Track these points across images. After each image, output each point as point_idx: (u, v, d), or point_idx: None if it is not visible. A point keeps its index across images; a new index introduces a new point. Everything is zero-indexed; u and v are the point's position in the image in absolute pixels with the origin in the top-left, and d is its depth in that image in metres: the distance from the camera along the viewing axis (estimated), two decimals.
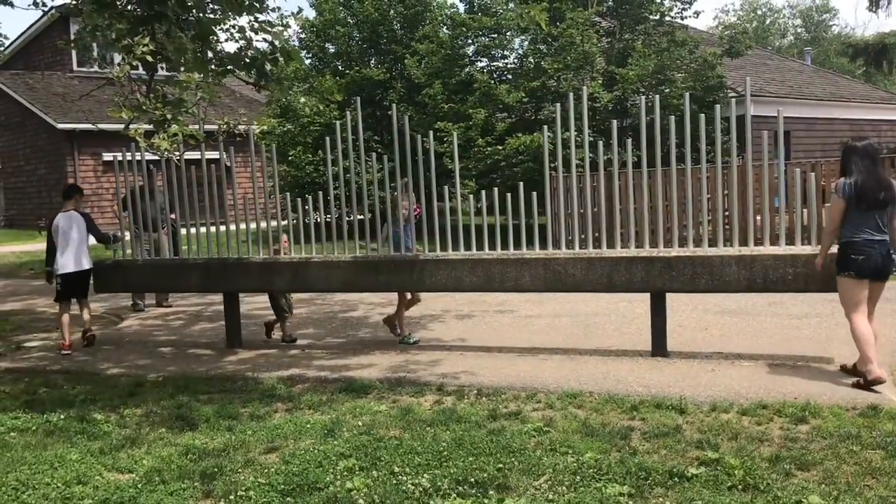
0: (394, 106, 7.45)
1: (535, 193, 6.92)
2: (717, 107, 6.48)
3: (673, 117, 6.39)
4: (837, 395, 5.22)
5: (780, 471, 4.06)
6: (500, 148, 16.13)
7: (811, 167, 13.37)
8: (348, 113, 7.27)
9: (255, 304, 10.17)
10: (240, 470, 4.40)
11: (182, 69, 5.93)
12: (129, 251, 8.47)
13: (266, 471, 4.35)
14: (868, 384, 5.29)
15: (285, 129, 18.89)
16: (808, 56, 35.03)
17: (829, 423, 4.73)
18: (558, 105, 6.95)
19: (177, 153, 7.44)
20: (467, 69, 18.64)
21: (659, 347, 6.49)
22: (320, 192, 7.62)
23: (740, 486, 3.90)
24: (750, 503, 3.73)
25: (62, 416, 5.50)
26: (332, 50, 21.18)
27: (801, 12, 58.17)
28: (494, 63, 19.68)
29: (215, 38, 6.58)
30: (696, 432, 4.68)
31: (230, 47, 6.59)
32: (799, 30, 58.27)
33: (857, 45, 21.56)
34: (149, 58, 5.10)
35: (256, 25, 6.14)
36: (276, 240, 7.70)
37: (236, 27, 6.36)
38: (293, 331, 8.04)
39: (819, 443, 4.43)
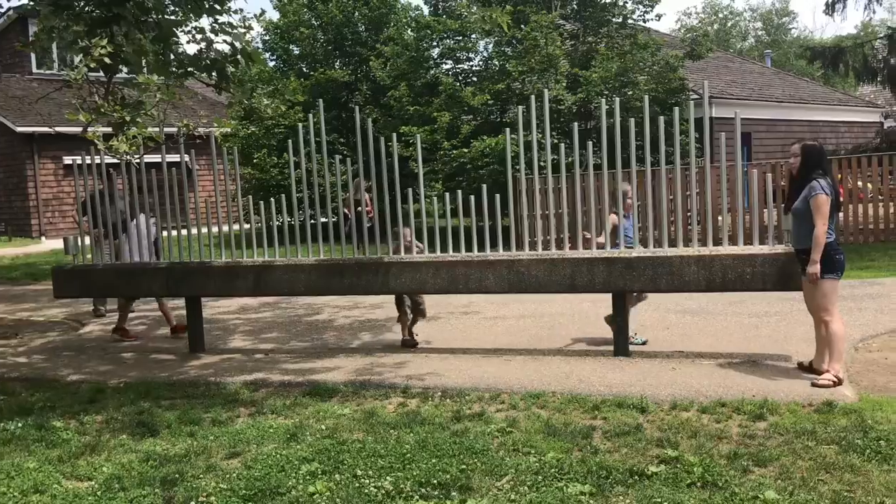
0: (356, 108, 7.43)
1: (498, 196, 6.95)
2: (676, 109, 6.58)
3: (633, 120, 6.46)
4: (794, 393, 5.32)
5: (738, 467, 4.13)
6: (466, 151, 16.18)
7: (771, 168, 13.61)
8: (311, 115, 7.25)
9: (219, 309, 10.10)
10: (201, 476, 4.37)
11: (140, 72, 5.86)
12: (89, 255, 8.35)
13: (228, 476, 4.33)
14: (840, 382, 5.41)
15: (249, 131, 18.76)
16: (768, 58, 35.66)
17: (785, 419, 4.83)
18: (520, 108, 6.99)
19: (136, 156, 7.35)
20: (432, 71, 18.67)
21: (621, 347, 6.56)
22: (283, 195, 7.57)
23: (699, 484, 3.96)
24: (708, 500, 3.78)
25: (20, 424, 5.40)
26: (296, 52, 21.10)
27: (762, 15, 59.11)
28: (459, 65, 19.76)
29: (175, 40, 6.53)
30: (657, 431, 4.75)
31: (192, 49, 6.51)
32: (759, 32, 59.17)
33: (815, 47, 21.95)
34: (107, 60, 5.04)
35: (217, 27, 6.10)
36: (396, 235, 7.22)
37: (197, 29, 6.30)
38: (411, 334, 7.46)
39: (776, 439, 4.52)
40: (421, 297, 7.40)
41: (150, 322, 9.58)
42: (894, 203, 13.82)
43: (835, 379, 5.41)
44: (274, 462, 4.48)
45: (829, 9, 19.67)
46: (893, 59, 19.49)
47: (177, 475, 4.36)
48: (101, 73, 6.17)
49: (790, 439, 4.48)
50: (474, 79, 19.18)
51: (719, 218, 8.75)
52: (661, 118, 6.36)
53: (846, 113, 26.32)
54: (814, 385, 5.41)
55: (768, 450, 4.34)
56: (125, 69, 6.21)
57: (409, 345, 7.32)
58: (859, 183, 13.99)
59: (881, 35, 21.71)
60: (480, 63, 19.73)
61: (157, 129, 7.16)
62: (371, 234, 7.51)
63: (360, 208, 7.43)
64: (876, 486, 3.83)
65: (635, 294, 6.85)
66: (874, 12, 48.51)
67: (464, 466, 4.28)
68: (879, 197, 13.94)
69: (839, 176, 14.17)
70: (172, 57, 6.07)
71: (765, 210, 6.41)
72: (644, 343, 6.92)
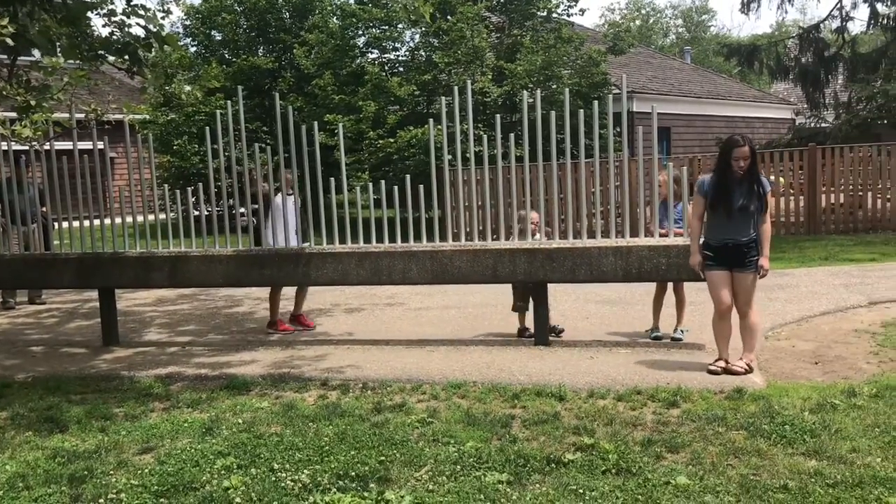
0: (276, 95, 7.30)
1: (421, 186, 6.94)
2: (596, 103, 6.67)
3: (554, 112, 6.53)
4: (707, 380, 5.47)
5: (652, 454, 4.23)
6: (392, 141, 16.11)
7: (689, 162, 13.98)
8: (229, 103, 7.09)
9: (134, 301, 9.82)
10: (112, 472, 4.24)
11: (48, 53, 5.61)
12: None
13: (140, 472, 4.21)
14: (751, 370, 5.61)
15: (169, 118, 18.27)
16: (687, 55, 36.60)
17: (698, 406, 4.96)
18: (443, 98, 6.99)
19: (43, 142, 7.05)
20: (358, 61, 18.52)
21: (541, 336, 6.64)
22: (201, 184, 7.39)
23: (614, 470, 4.03)
24: (622, 486, 3.86)
25: None
26: (218, 38, 20.63)
27: (683, 13, 60.62)
28: (386, 55, 19.63)
29: (88, 22, 6.27)
30: (574, 419, 4.82)
31: (107, 32, 6.26)
32: (680, 29, 60.69)
33: (731, 45, 22.60)
34: (9, 41, 4.80)
35: (129, 10, 5.89)
36: (522, 219, 6.87)
37: (107, 10, 6.07)
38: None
39: (688, 426, 4.64)
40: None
41: (61, 314, 9.25)
42: (804, 197, 14.37)
43: (746, 367, 5.60)
44: (188, 457, 4.37)
45: (745, 7, 20.28)
46: (804, 58, 20.24)
47: (86, 472, 4.22)
48: (4, 56, 5.89)
49: (702, 426, 4.61)
50: (401, 69, 19.11)
51: (637, 210, 8.94)
52: (582, 112, 6.45)
53: (761, 109, 27.20)
54: (728, 371, 5.58)
55: (681, 436, 4.45)
56: (30, 51, 5.95)
57: (524, 335, 6.96)
58: (772, 177, 14.49)
59: (793, 35, 22.51)
60: (407, 53, 19.67)
61: (66, 115, 6.87)
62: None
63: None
64: (780, 469, 3.97)
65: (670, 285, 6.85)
66: (786, 12, 50.37)
67: (383, 458, 4.26)
68: (790, 191, 14.48)
69: None
70: (80, 40, 5.83)
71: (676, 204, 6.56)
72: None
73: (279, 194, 7.20)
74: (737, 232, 5.58)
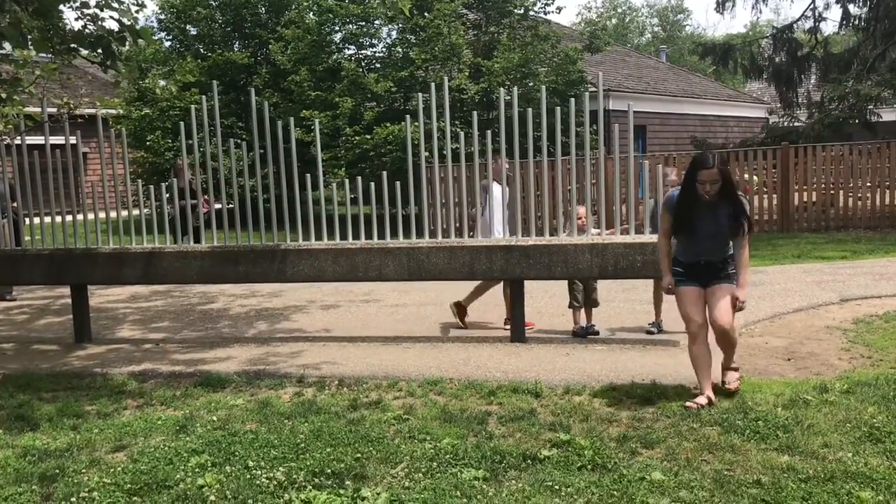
0: (252, 91, 7.25)
1: (398, 183, 6.92)
2: (572, 101, 6.69)
3: (530, 110, 6.54)
4: (682, 376, 5.51)
5: (627, 450, 4.25)
6: (369, 137, 16.07)
7: (665, 160, 14.06)
8: (204, 98, 7.02)
9: (107, 297, 9.71)
10: (84, 470, 4.18)
11: (19, 46, 5.51)
12: None
13: (112, 470, 4.16)
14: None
15: (143, 112, 18.08)
16: (663, 54, 36.84)
17: (673, 402, 4.99)
18: (420, 95, 6.97)
19: (14, 136, 6.94)
20: (335, 56, 18.43)
21: (518, 333, 6.65)
22: (174, 180, 7.32)
23: (589, 466, 4.04)
24: (598, 482, 3.87)
25: None
26: (193, 32, 20.42)
27: (658, 12, 61.00)
28: (363, 51, 19.56)
29: (60, 14, 6.18)
30: (550, 415, 4.83)
31: (80, 25, 6.17)
32: (656, 28, 61.08)
33: (706, 44, 22.78)
34: None
35: (103, 2, 5.81)
36: (570, 215, 6.74)
37: (80, 2, 5.99)
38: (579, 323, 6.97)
39: (663, 422, 4.66)
40: (593, 284, 6.88)
41: (32, 311, 9.12)
42: (777, 195, 14.53)
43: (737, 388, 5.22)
44: (162, 455, 4.33)
45: (720, 7, 20.45)
46: (778, 58, 20.45)
47: (57, 470, 4.16)
48: None
49: (676, 422, 4.63)
50: (378, 65, 19.04)
51: (613, 208, 8.97)
52: (558, 109, 6.46)
53: (735, 108, 27.45)
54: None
55: (656, 432, 4.47)
56: (6, 45, 5.85)
57: (580, 334, 6.83)
58: (745, 175, 14.64)
59: (767, 35, 22.73)
60: (384, 50, 19.60)
61: (38, 109, 6.77)
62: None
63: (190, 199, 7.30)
64: (754, 465, 4.00)
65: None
66: (760, 12, 50.89)
67: (359, 455, 4.24)
68: (764, 189, 14.63)
69: None
70: (52, 33, 5.74)
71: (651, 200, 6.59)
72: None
73: (495, 184, 6.94)
74: (709, 253, 5.03)
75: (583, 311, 6.95)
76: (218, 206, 7.25)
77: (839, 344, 6.54)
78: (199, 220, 8.12)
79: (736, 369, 5.32)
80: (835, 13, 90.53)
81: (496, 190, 7.00)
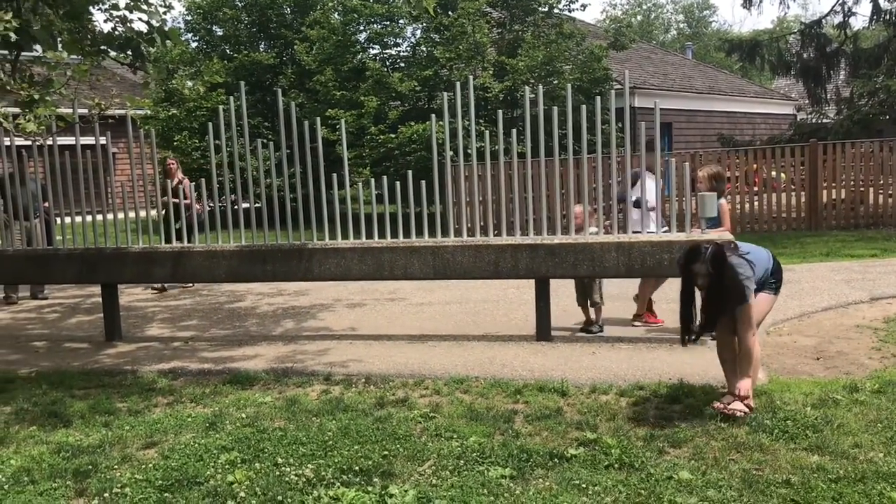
0: (279, 91, 7.31)
1: (423, 182, 6.94)
2: (598, 98, 6.68)
3: (556, 108, 6.53)
4: (709, 375, 5.48)
5: (654, 449, 4.24)
6: (394, 136, 16.10)
7: (691, 158, 13.97)
8: (231, 98, 7.09)
9: (137, 296, 9.83)
10: (116, 466, 4.25)
11: (50, 48, 5.60)
12: None
13: (144, 466, 4.22)
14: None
15: (170, 113, 18.26)
16: (689, 51, 36.53)
17: (700, 401, 4.96)
18: (444, 94, 6.99)
19: (46, 137, 7.05)
20: (359, 56, 18.48)
21: (543, 332, 6.65)
22: (203, 180, 7.39)
23: (617, 465, 4.04)
24: (625, 481, 3.87)
25: None
26: (219, 33, 20.58)
27: (684, 8, 60.52)
28: (387, 51, 19.59)
29: (90, 16, 6.27)
30: (577, 414, 4.83)
31: (109, 27, 6.26)
32: (681, 25, 60.61)
33: (733, 41, 22.50)
34: (12, 35, 4.80)
35: (132, 4, 5.89)
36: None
37: (111, 5, 6.07)
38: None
39: (690, 421, 4.64)
40: (593, 283, 6.85)
41: (64, 310, 9.26)
42: (805, 192, 14.37)
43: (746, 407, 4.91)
44: (192, 451, 4.38)
45: (747, 3, 20.22)
46: (806, 54, 20.20)
47: (90, 466, 4.23)
48: (6, 51, 5.89)
49: (704, 420, 4.62)
50: (402, 64, 19.07)
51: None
52: (584, 107, 6.44)
53: (762, 105, 27.19)
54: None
55: (683, 431, 4.46)
56: (34, 46, 5.94)
57: (583, 330, 6.95)
58: (773, 173, 14.50)
59: (795, 30, 22.47)
60: (408, 49, 19.62)
61: (69, 110, 6.87)
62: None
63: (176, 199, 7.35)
64: (783, 464, 3.98)
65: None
66: (788, 7, 50.36)
67: (386, 452, 4.27)
68: (792, 186, 14.48)
69: (755, 166, 14.67)
70: (83, 35, 5.82)
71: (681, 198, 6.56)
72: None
73: (649, 176, 6.82)
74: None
75: (590, 307, 7.02)
76: (245, 205, 7.31)
77: (869, 343, 6.47)
78: (192, 220, 8.17)
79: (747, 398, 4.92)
80: (864, 8, 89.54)
81: (650, 183, 6.78)
